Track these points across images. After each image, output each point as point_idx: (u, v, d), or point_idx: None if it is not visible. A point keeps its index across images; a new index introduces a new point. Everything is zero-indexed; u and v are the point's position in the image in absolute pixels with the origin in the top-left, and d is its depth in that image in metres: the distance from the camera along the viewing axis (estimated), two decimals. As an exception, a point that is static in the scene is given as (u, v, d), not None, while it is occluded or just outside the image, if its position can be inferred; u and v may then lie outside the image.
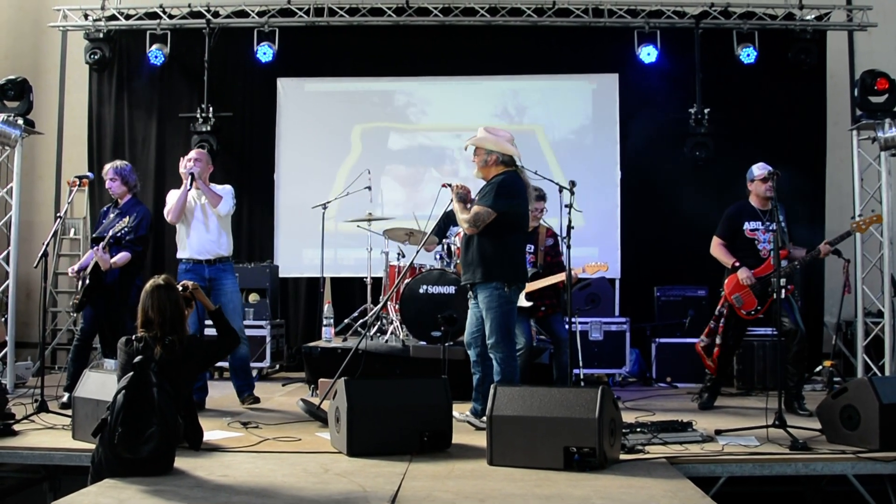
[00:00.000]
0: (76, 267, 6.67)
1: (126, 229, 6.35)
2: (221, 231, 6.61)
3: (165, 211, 6.58)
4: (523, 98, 9.86)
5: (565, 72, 9.84)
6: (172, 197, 6.58)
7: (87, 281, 6.38)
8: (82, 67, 9.91)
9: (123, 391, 4.08)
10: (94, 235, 6.67)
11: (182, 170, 6.55)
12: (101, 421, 4.09)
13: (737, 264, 6.41)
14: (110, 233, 6.33)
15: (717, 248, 6.60)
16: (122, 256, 6.43)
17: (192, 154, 6.67)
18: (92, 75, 9.90)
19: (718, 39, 9.40)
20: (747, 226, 6.50)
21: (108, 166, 6.81)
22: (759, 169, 6.48)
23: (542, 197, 6.67)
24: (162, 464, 4.16)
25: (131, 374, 4.13)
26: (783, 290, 6.29)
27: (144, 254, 6.78)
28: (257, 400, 6.51)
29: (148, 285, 4.52)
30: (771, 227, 6.42)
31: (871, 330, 8.07)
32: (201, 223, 6.55)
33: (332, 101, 9.99)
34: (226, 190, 6.64)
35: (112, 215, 6.62)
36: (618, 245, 9.49)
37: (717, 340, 6.52)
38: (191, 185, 6.45)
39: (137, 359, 4.19)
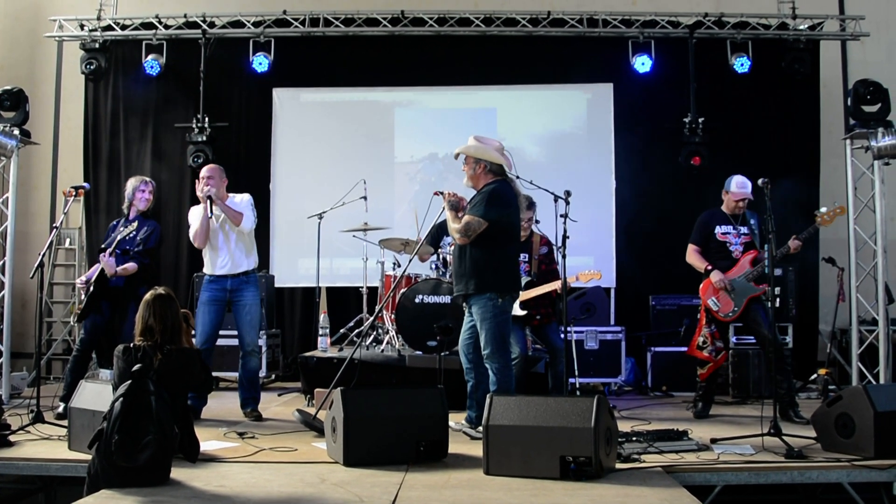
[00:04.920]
0: (83, 278, 6.64)
1: (132, 235, 6.36)
2: (246, 246, 6.57)
3: (191, 237, 6.54)
4: (518, 108, 9.87)
5: (560, 81, 9.87)
6: (195, 220, 6.51)
7: (91, 289, 6.38)
8: (78, 77, 9.91)
9: (121, 399, 4.07)
10: (102, 247, 6.64)
11: (199, 193, 6.44)
12: (97, 432, 4.09)
13: (709, 268, 6.57)
14: (116, 237, 6.36)
15: (691, 255, 6.79)
16: (128, 266, 6.44)
17: (205, 172, 6.48)
18: (88, 85, 9.92)
19: (712, 49, 9.45)
20: (718, 229, 6.68)
21: (144, 179, 6.82)
22: (737, 187, 6.64)
23: (531, 206, 6.69)
24: (158, 473, 4.16)
25: (129, 381, 4.13)
26: (756, 294, 6.44)
27: (152, 267, 6.73)
28: (259, 416, 6.44)
29: (149, 295, 4.55)
30: (743, 231, 6.65)
31: (866, 338, 8.08)
32: (224, 243, 6.50)
33: (327, 111, 10.01)
34: (245, 203, 6.56)
35: (123, 229, 6.60)
36: (613, 254, 9.51)
37: (720, 345, 6.59)
38: (211, 210, 6.35)
39: (136, 367, 4.19)
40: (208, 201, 6.35)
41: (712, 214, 6.77)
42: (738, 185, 6.62)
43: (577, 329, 8.03)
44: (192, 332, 4.93)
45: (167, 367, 4.31)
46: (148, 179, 6.87)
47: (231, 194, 6.60)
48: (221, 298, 6.48)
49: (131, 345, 4.40)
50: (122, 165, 9.80)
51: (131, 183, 6.81)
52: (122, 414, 4.04)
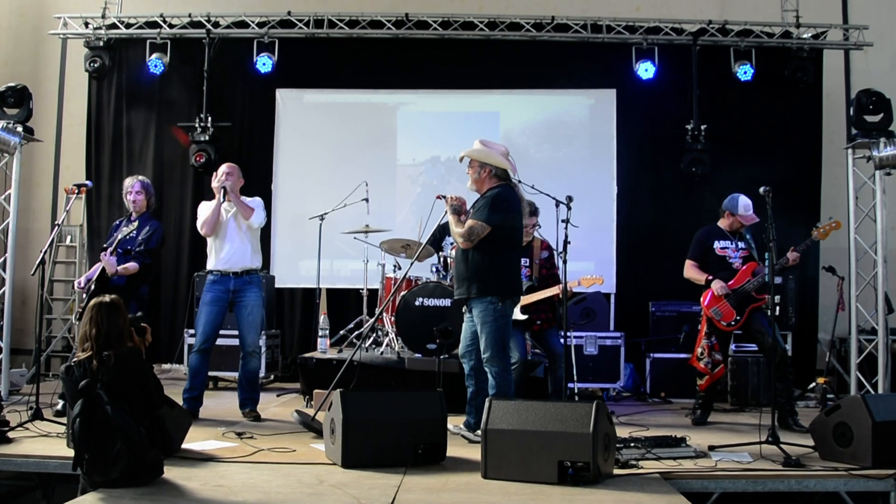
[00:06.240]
0: (82, 280, 6.63)
1: (133, 235, 6.37)
2: (251, 244, 6.61)
3: (199, 224, 6.59)
4: (521, 112, 9.89)
5: (563, 87, 9.88)
6: (205, 210, 6.57)
7: (92, 288, 6.37)
8: (82, 75, 9.92)
9: (78, 418, 4.04)
10: (104, 246, 6.64)
11: (214, 184, 6.53)
12: (74, 455, 4.09)
13: (710, 278, 6.60)
14: (118, 236, 6.35)
15: (689, 270, 6.81)
16: (129, 265, 6.43)
17: (224, 168, 6.61)
18: (91, 83, 9.91)
19: (716, 56, 9.44)
20: (717, 244, 6.72)
21: (134, 179, 6.84)
22: (745, 210, 6.64)
23: (534, 212, 6.70)
24: (142, 478, 4.14)
25: (81, 399, 4.10)
26: (758, 303, 6.44)
27: (153, 267, 6.75)
28: (258, 417, 6.46)
29: (91, 302, 4.47)
30: (741, 245, 6.69)
31: (865, 347, 8.08)
32: (232, 236, 6.54)
33: (330, 113, 10.02)
34: (256, 202, 6.63)
35: (125, 229, 6.60)
36: (613, 260, 9.51)
37: (718, 357, 6.57)
38: (224, 198, 6.44)
39: (82, 383, 4.15)
40: (222, 191, 6.42)
41: (709, 230, 6.81)
42: (747, 209, 6.61)
43: (577, 334, 8.04)
44: (146, 343, 4.83)
45: (109, 373, 4.22)
46: (140, 179, 6.86)
47: (242, 197, 6.63)
48: (224, 299, 6.50)
49: (72, 363, 4.32)
50: (125, 164, 9.80)
51: (124, 183, 6.86)
52: (83, 433, 4.02)
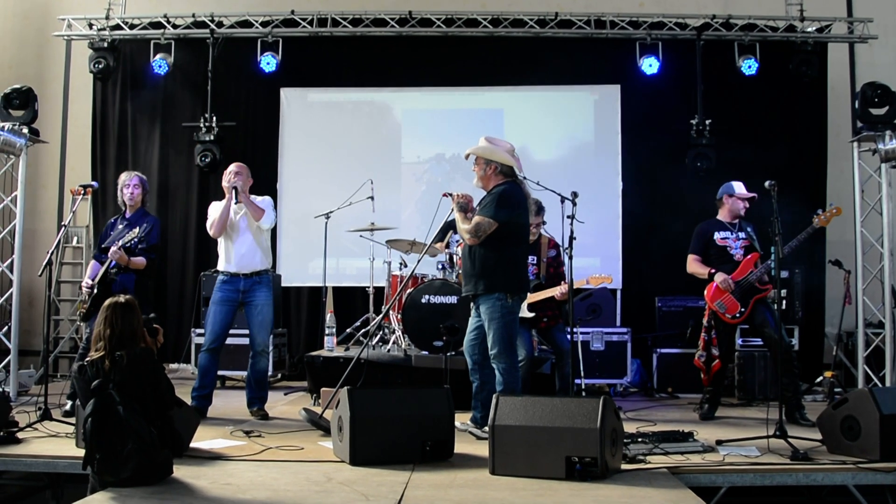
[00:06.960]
0: (88, 281, 6.64)
1: (136, 239, 6.38)
2: (261, 244, 6.61)
3: (208, 225, 6.59)
4: (525, 109, 9.88)
5: (567, 83, 9.86)
6: (215, 210, 6.57)
7: (95, 290, 6.38)
8: (86, 76, 9.93)
9: (90, 418, 4.07)
10: (102, 245, 6.66)
11: (225, 183, 6.52)
12: (84, 454, 4.11)
13: (713, 271, 6.59)
14: (120, 242, 6.34)
15: (692, 264, 6.80)
16: (137, 259, 6.44)
17: (233, 167, 6.59)
18: (96, 84, 9.93)
19: (720, 51, 9.44)
20: (717, 235, 6.71)
21: (130, 174, 6.86)
22: (741, 188, 6.65)
23: (540, 211, 6.69)
24: (154, 476, 4.16)
25: (93, 399, 4.12)
26: (762, 294, 6.47)
27: (156, 263, 6.78)
28: (266, 416, 6.48)
29: (106, 302, 4.49)
30: (741, 236, 6.68)
31: (872, 341, 8.07)
32: (244, 238, 6.54)
33: (334, 111, 10.02)
34: (266, 202, 6.63)
35: (121, 226, 6.61)
36: (619, 255, 9.50)
37: (715, 352, 6.58)
38: (236, 199, 6.43)
39: (94, 383, 4.17)
40: (233, 192, 6.42)
41: (709, 223, 6.81)
42: (742, 186, 6.64)
43: (583, 330, 8.02)
44: (158, 344, 4.83)
45: (121, 373, 4.24)
46: (137, 174, 6.89)
47: (252, 195, 6.64)
48: (234, 299, 6.51)
49: (84, 362, 4.35)
50: (130, 164, 9.79)
51: (120, 179, 6.88)
52: (94, 432, 4.04)
